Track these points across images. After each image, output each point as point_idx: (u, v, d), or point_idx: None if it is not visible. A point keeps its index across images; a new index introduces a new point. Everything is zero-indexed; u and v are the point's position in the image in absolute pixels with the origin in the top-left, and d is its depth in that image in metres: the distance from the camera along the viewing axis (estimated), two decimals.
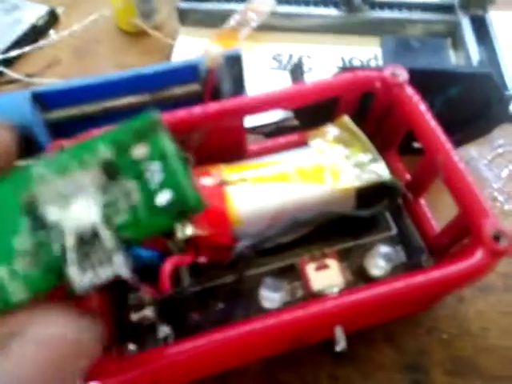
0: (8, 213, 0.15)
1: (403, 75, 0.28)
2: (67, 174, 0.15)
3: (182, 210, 0.15)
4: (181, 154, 0.15)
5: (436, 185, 0.27)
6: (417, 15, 0.43)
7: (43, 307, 0.15)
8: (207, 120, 0.27)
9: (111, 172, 0.15)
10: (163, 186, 0.15)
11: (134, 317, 0.24)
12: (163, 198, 0.15)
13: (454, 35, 0.43)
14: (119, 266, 0.15)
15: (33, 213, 0.15)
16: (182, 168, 0.15)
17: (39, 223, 0.15)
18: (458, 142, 0.35)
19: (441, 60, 0.31)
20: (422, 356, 0.29)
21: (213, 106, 0.27)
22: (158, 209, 0.15)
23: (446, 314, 0.30)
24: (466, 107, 0.32)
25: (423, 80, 0.29)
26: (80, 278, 0.14)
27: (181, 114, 0.27)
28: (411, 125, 0.27)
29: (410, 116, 0.27)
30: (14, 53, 0.43)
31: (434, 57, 0.31)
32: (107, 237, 0.14)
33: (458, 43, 0.42)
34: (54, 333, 0.14)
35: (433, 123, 0.26)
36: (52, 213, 0.14)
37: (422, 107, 0.27)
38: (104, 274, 0.15)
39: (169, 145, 0.15)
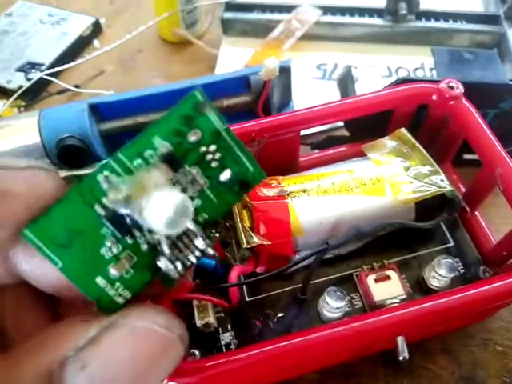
0: (87, 225, 0.15)
1: (459, 88, 0.28)
2: (134, 174, 0.15)
3: (245, 181, 0.16)
4: (231, 131, 0.15)
5: (489, 196, 0.27)
6: (462, 25, 0.43)
7: (136, 303, 0.15)
8: (266, 132, 0.28)
9: (174, 163, 0.15)
10: (223, 163, 0.15)
11: (199, 323, 0.24)
12: (226, 175, 0.15)
13: (499, 46, 0.43)
14: (204, 247, 0.15)
15: (113, 219, 0.15)
16: (235, 142, 0.15)
17: (121, 227, 0.15)
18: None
19: (494, 72, 0.31)
20: (477, 368, 0.28)
21: (272, 120, 0.28)
22: (223, 187, 0.16)
23: (500, 326, 0.30)
24: None
25: (477, 93, 0.29)
26: (172, 266, 0.15)
27: (241, 126, 0.27)
28: (468, 137, 0.27)
29: (467, 128, 0.27)
30: (65, 66, 0.44)
31: (486, 69, 0.31)
32: (190, 223, 0.15)
33: (503, 54, 0.42)
34: (146, 325, 0.14)
35: (491, 136, 0.26)
36: (133, 214, 0.14)
37: (479, 119, 0.27)
38: (193, 257, 0.16)
39: (218, 123, 0.15)
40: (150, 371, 0.14)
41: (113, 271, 0.15)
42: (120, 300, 0.15)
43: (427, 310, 0.22)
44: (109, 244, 0.15)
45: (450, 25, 0.44)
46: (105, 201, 0.14)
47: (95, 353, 0.13)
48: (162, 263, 0.15)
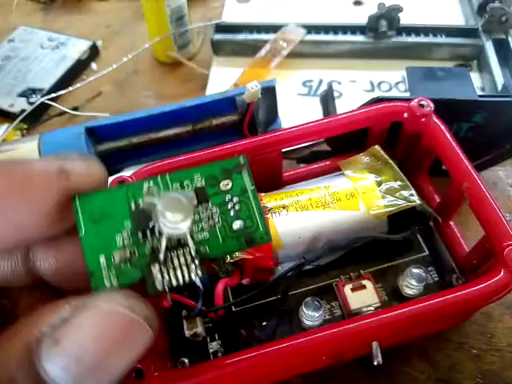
0: (118, 213, 0.18)
1: (429, 106, 0.30)
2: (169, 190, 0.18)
3: (251, 239, 0.18)
4: (256, 193, 0.19)
5: (466, 205, 0.29)
6: (442, 39, 0.45)
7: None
8: (248, 152, 0.30)
9: (201, 197, 0.18)
10: (238, 216, 0.18)
11: (187, 333, 0.26)
12: (237, 225, 0.18)
13: (478, 58, 0.44)
14: (195, 273, 0.18)
15: (137, 218, 0.18)
16: (257, 204, 0.19)
17: (139, 227, 0.18)
18: (484, 165, 0.36)
19: (465, 88, 0.32)
20: (453, 370, 0.30)
21: (254, 140, 0.30)
22: (232, 233, 0.18)
23: (475, 330, 0.31)
24: (491, 132, 0.34)
25: (450, 108, 0.31)
26: (161, 277, 0.18)
27: (226, 146, 0.29)
28: (438, 152, 0.29)
29: (437, 144, 0.29)
30: (64, 91, 0.47)
31: (458, 85, 0.33)
32: (192, 246, 0.18)
33: (482, 66, 0.44)
34: (110, 306, 0.16)
35: (458, 151, 0.28)
36: (153, 219, 0.18)
37: (448, 136, 0.29)
38: (181, 277, 0.18)
39: (249, 183, 0.19)
40: (115, 349, 0.16)
41: (115, 257, 0.18)
42: (107, 283, 0.18)
43: (397, 317, 0.24)
44: (124, 234, 0.18)
45: (430, 39, 0.45)
46: (139, 201, 0.18)
47: (66, 330, 0.15)
48: (155, 269, 0.18)
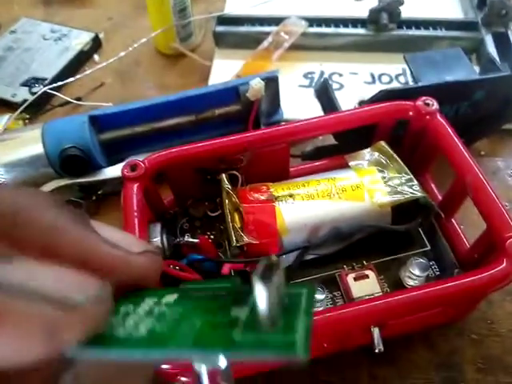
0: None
1: (434, 104, 0.30)
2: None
3: (287, 354, 0.13)
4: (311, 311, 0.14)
5: (467, 203, 0.29)
6: (442, 33, 0.46)
7: None
8: (257, 144, 0.30)
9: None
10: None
11: None
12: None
13: (478, 51, 0.45)
14: None
15: None
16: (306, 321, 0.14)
17: None
18: (477, 137, 0.38)
19: (464, 68, 0.33)
20: (454, 355, 0.30)
21: (263, 132, 0.30)
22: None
23: (476, 316, 0.32)
24: (488, 107, 0.35)
25: (452, 90, 0.32)
26: None
27: (235, 137, 0.30)
28: (442, 149, 0.30)
29: (441, 141, 0.30)
30: (67, 80, 0.47)
31: (457, 66, 0.33)
32: None
33: (481, 58, 0.44)
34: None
35: (461, 147, 0.29)
36: None
37: (451, 132, 0.29)
38: None
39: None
40: None
41: None
42: None
43: (399, 301, 0.24)
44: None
45: (430, 32, 0.46)
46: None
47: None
48: None
